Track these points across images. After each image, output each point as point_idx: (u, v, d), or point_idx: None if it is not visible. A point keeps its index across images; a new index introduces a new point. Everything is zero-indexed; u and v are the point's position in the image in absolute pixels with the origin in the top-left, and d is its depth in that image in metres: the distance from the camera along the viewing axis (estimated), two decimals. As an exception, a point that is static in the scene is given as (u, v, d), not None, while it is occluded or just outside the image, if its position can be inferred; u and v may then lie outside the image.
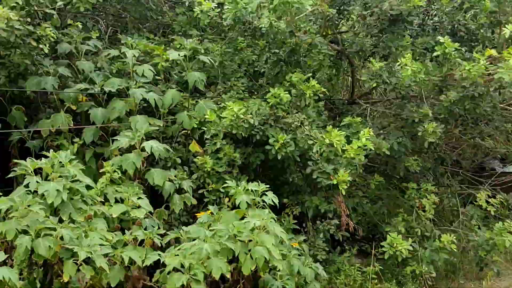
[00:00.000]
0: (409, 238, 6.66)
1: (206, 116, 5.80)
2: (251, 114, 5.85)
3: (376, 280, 6.54)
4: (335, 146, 5.54)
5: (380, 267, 6.65)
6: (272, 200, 4.82)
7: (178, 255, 3.98)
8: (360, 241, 7.48)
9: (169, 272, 3.92)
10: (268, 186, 5.04)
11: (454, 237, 6.61)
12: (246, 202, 4.69)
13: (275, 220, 4.46)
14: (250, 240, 4.20)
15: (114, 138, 5.55)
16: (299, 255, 5.41)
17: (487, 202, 6.94)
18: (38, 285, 4.11)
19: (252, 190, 4.85)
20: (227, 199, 5.77)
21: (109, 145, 5.94)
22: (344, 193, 6.08)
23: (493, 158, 10.03)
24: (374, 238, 7.75)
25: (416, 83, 5.92)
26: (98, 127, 5.73)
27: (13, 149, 5.89)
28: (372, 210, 7.51)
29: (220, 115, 5.88)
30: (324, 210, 6.67)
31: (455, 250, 6.65)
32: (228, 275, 4.06)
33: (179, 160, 6.21)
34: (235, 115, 5.60)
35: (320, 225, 6.67)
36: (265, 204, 4.92)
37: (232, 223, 4.31)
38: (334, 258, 6.79)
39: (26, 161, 4.49)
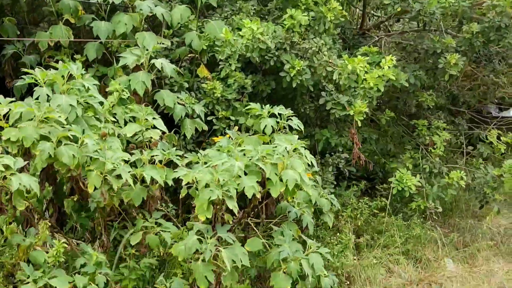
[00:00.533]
0: (417, 175, 6.60)
1: (222, 35, 5.35)
2: (267, 36, 5.43)
3: (383, 213, 6.50)
4: (358, 73, 5.22)
5: (386, 202, 6.58)
6: (298, 126, 4.53)
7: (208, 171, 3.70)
8: (359, 180, 7.37)
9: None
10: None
11: (464, 174, 6.58)
12: (272, 126, 4.39)
13: (305, 146, 4.20)
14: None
15: (120, 55, 5.07)
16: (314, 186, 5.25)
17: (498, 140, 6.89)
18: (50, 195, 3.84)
19: (278, 114, 4.51)
20: (236, 128, 5.47)
21: (111, 64, 5.48)
22: (359, 124, 5.88)
23: (490, 102, 9.99)
24: (369, 177, 7.67)
25: (444, 9, 5.57)
26: (102, 42, 5.23)
27: (6, 64, 5.35)
28: (378, 147, 7.37)
29: (234, 37, 5.44)
30: (335, 143, 6.48)
31: (463, 186, 6.65)
32: (259, 195, 3.84)
33: (186, 85, 5.80)
34: (252, 35, 5.17)
35: (329, 159, 6.50)
36: (287, 130, 4.63)
37: (259, 146, 4.04)
38: (341, 193, 6.69)
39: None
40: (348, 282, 5.46)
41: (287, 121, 4.52)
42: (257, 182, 3.86)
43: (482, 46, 6.49)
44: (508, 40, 5.82)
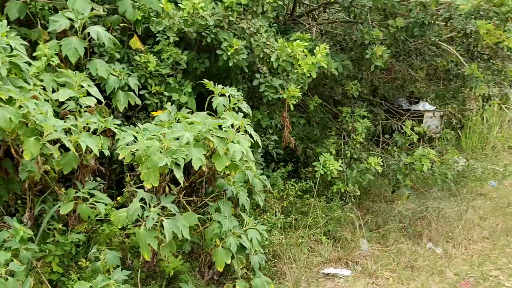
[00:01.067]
0: (339, 159, 6.95)
1: (160, 5, 5.14)
2: (207, 12, 5.34)
3: (307, 195, 6.75)
4: (297, 56, 5.34)
5: (311, 184, 6.84)
6: (247, 109, 4.52)
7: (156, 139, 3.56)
8: (283, 162, 7.58)
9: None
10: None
11: (381, 160, 7.04)
12: (223, 105, 4.34)
13: (250, 124, 4.22)
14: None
15: (51, 18, 4.67)
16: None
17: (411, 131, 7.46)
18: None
19: (230, 95, 4.46)
20: (169, 104, 5.35)
21: (34, 27, 5.03)
22: (292, 108, 6.03)
23: (401, 96, 10.77)
24: (291, 160, 7.93)
25: (375, 2, 5.86)
26: (26, 1, 4.77)
27: None
28: (305, 131, 7.62)
29: (173, 9, 5.27)
30: (265, 125, 6.59)
31: (380, 171, 7.11)
32: (205, 168, 3.79)
33: (117, 55, 5.52)
34: (193, 8, 5.05)
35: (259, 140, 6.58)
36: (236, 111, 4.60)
37: (206, 120, 3.98)
38: (268, 174, 6.83)
39: None
40: (275, 260, 5.63)
41: (236, 103, 4.48)
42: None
43: (403, 41, 6.95)
44: (429, 36, 6.28)
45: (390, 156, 7.69)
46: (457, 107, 8.31)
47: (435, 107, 10.01)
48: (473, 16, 5.63)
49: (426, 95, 9.50)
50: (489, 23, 5.80)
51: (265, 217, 5.74)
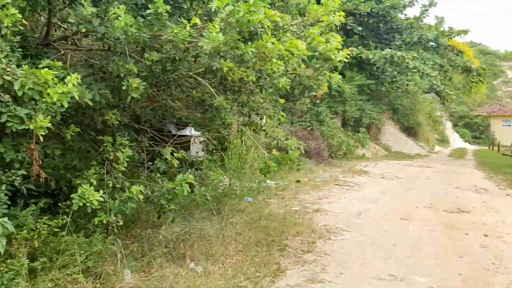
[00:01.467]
0: (100, 190, 6.75)
1: None
2: None
3: (64, 232, 6.34)
4: (46, 85, 5.00)
5: (67, 220, 6.44)
6: None
7: None
8: (40, 197, 7.02)
9: None
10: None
11: (143, 188, 7.11)
12: None
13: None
14: None
15: None
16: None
17: (172, 156, 7.78)
18: None
19: None
20: None
21: None
22: (41, 139, 5.59)
23: (170, 122, 11.26)
24: (54, 193, 7.42)
25: (127, 37, 5.96)
26: None
27: None
28: (63, 162, 7.16)
29: None
30: (10, 159, 5.94)
31: (142, 200, 7.17)
32: None
33: None
34: None
35: (2, 176, 5.90)
36: None
37: None
38: (16, 213, 6.16)
39: None
40: (19, 312, 5.08)
41: None
42: None
43: (161, 73, 7.24)
44: (181, 71, 6.70)
45: (154, 183, 7.85)
46: (215, 134, 9.04)
47: (200, 132, 10.75)
48: (217, 55, 6.24)
49: (191, 122, 10.11)
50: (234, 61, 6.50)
51: (5, 264, 5.13)
